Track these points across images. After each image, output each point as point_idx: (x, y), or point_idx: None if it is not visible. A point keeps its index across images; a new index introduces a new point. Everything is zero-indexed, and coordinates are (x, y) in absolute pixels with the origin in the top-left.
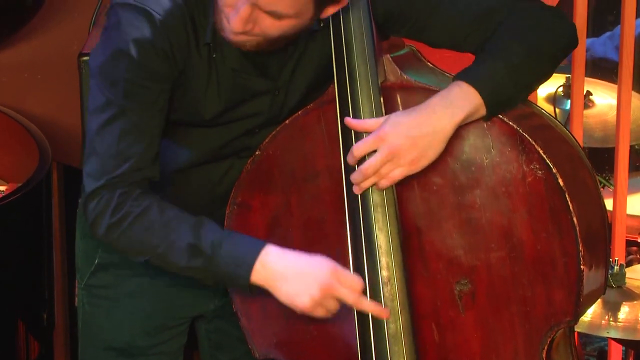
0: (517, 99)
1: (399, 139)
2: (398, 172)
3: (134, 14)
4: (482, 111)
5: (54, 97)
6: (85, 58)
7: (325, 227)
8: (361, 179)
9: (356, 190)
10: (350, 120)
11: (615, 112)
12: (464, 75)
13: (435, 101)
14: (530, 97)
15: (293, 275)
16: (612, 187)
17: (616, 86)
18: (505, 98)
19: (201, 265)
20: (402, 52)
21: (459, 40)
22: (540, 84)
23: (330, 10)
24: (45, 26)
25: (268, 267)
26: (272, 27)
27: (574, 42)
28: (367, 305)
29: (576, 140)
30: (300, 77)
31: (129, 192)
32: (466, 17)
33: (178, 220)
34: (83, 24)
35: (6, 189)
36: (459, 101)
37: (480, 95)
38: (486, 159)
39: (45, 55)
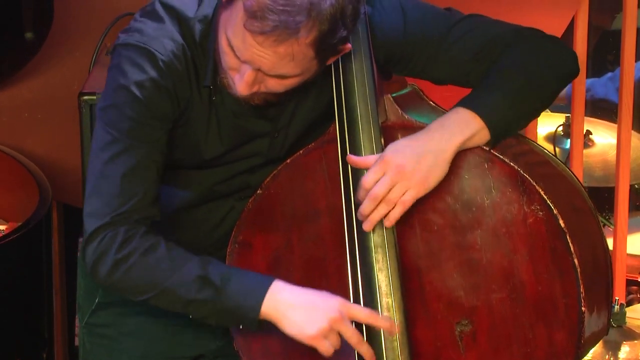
0: (517, 125)
1: (404, 158)
2: (409, 195)
3: (136, 54)
4: (485, 135)
5: (54, 137)
6: (86, 97)
7: (326, 267)
8: (372, 206)
9: (366, 226)
10: (351, 157)
11: (615, 152)
12: (463, 102)
13: (433, 126)
14: (530, 136)
15: (302, 305)
16: (612, 227)
17: (616, 125)
18: (505, 124)
19: (210, 298)
20: (404, 91)
21: (463, 75)
22: (543, 110)
23: (333, 59)
24: (46, 66)
25: (278, 299)
26: (277, 86)
27: (575, 71)
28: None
29: (578, 179)
30: (300, 119)
31: (135, 229)
32: (468, 52)
33: (186, 256)
34: (83, 63)
35: (6, 228)
36: (457, 125)
37: (481, 118)
38: (487, 200)
39: (45, 95)
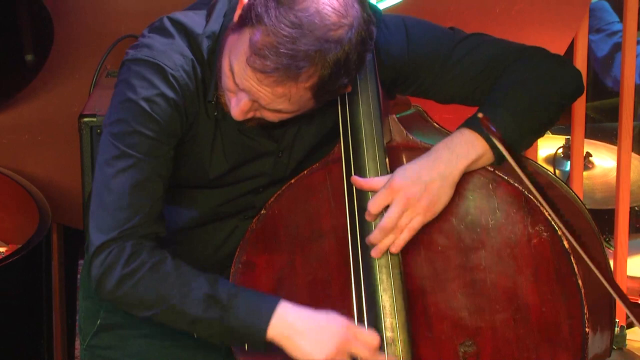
0: (522, 144)
1: (412, 187)
2: (417, 221)
3: (146, 69)
4: (489, 156)
5: (54, 159)
6: (86, 119)
7: (330, 287)
8: (382, 236)
9: (375, 254)
10: (356, 179)
11: (615, 174)
12: (467, 123)
13: (439, 148)
14: (530, 158)
15: (309, 330)
16: (612, 249)
17: (616, 147)
18: (511, 142)
19: (217, 317)
20: (408, 112)
21: (468, 93)
22: (547, 129)
23: (331, 99)
24: (46, 88)
25: (284, 321)
26: (272, 117)
27: (580, 89)
28: None
29: (581, 201)
30: (304, 139)
31: (142, 244)
32: (472, 70)
33: (193, 272)
34: (84, 85)
35: (6, 251)
36: (462, 148)
37: (486, 141)
38: (491, 220)
39: (46, 117)
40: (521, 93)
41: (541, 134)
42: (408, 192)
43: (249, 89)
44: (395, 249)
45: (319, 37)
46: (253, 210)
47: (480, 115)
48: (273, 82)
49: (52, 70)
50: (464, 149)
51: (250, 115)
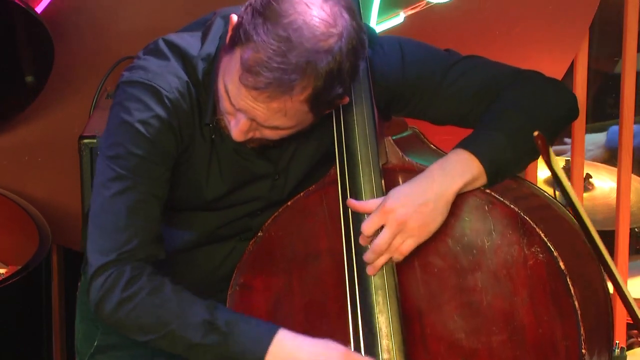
0: (516, 167)
1: (405, 208)
2: (409, 243)
3: (141, 91)
4: (483, 179)
5: (54, 180)
6: (86, 141)
7: (326, 309)
8: (375, 257)
9: (370, 271)
10: (351, 202)
11: (615, 195)
12: (463, 144)
13: (433, 169)
14: (530, 179)
15: (307, 358)
16: None
17: (616, 169)
18: (504, 166)
19: (215, 343)
20: (404, 134)
21: (462, 115)
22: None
23: (329, 111)
24: (46, 109)
25: (283, 348)
26: (272, 135)
27: (575, 113)
28: None
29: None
30: (300, 160)
31: (141, 268)
32: (467, 92)
33: (192, 298)
34: (84, 107)
35: (6, 272)
36: (457, 168)
37: (480, 162)
38: (487, 242)
39: (46, 138)
40: (516, 115)
41: (535, 158)
42: (400, 214)
43: (245, 108)
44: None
45: (308, 48)
46: (250, 232)
47: (535, 133)
48: (267, 98)
49: (52, 91)
50: (458, 170)
51: (250, 135)
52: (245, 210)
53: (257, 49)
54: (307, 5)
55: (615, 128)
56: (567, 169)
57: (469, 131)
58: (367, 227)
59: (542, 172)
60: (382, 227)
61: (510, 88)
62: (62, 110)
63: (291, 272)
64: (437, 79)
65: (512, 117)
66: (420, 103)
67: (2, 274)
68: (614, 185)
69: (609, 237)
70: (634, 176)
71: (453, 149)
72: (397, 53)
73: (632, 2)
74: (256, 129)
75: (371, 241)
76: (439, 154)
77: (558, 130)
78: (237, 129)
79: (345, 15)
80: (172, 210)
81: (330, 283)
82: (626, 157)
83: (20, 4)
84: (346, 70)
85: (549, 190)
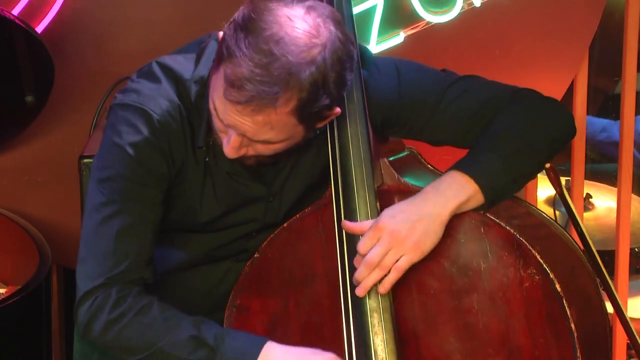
0: (514, 187)
1: (398, 224)
2: (403, 261)
3: (133, 114)
4: (479, 199)
5: (54, 200)
6: (86, 161)
7: (322, 331)
8: (366, 272)
9: (359, 292)
10: (346, 223)
11: (615, 215)
12: (457, 165)
13: (427, 191)
14: (530, 199)
15: None
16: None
17: (616, 189)
18: (501, 186)
19: (204, 358)
20: (401, 154)
21: (460, 136)
22: (539, 172)
23: (323, 124)
24: (46, 129)
25: (270, 358)
26: (265, 149)
27: (572, 132)
28: None
29: (575, 242)
30: (294, 183)
31: (128, 290)
32: (465, 113)
33: (179, 316)
34: (84, 126)
35: (6, 292)
36: (451, 189)
37: (476, 182)
38: (483, 264)
39: (46, 158)
40: (512, 137)
41: (533, 177)
42: (393, 230)
43: (233, 123)
44: (384, 289)
45: (290, 60)
46: (246, 253)
47: (547, 165)
48: (252, 112)
49: (52, 111)
50: (452, 191)
51: (243, 151)
52: (240, 232)
53: (239, 64)
54: (288, 17)
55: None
56: (568, 189)
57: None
58: (362, 245)
59: (542, 192)
60: None
61: (507, 109)
62: (62, 130)
63: (287, 294)
64: (433, 100)
65: (507, 139)
66: (417, 124)
67: (2, 293)
68: (614, 205)
69: (608, 257)
70: (634, 196)
71: (447, 170)
72: (394, 74)
73: (632, 21)
74: (248, 145)
75: None
76: (436, 174)
77: (556, 149)
78: (228, 146)
79: (330, 26)
80: (167, 231)
81: (327, 305)
82: (626, 177)
83: (21, 23)
84: (332, 81)
85: (549, 210)
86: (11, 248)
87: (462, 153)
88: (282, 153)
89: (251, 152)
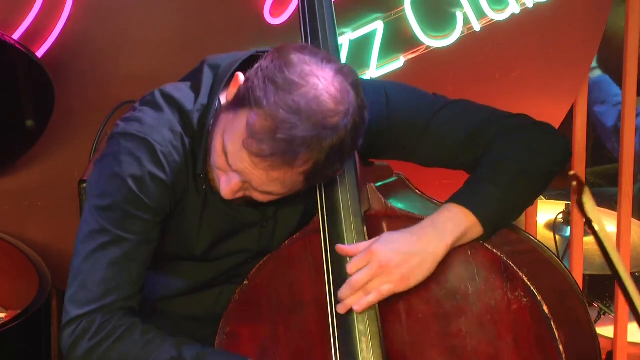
0: (512, 216)
1: (390, 254)
2: (386, 288)
3: (135, 145)
4: (479, 230)
5: (54, 224)
6: (86, 185)
7: (312, 356)
8: (349, 293)
9: (340, 309)
10: (339, 246)
11: (615, 239)
12: (455, 198)
13: (426, 225)
14: (530, 224)
15: None
16: (613, 315)
17: (616, 213)
18: (500, 215)
19: None
20: (389, 180)
21: (449, 161)
22: (536, 198)
23: (320, 182)
24: (46, 154)
25: None
26: (261, 198)
27: (567, 156)
28: None
29: (566, 268)
30: (288, 208)
31: (112, 315)
32: (455, 137)
33: (160, 339)
34: (84, 151)
35: (6, 316)
36: (448, 225)
37: (474, 214)
38: (471, 287)
39: (46, 183)
40: (508, 166)
41: (531, 204)
42: (384, 258)
43: (243, 171)
44: (359, 307)
45: (316, 123)
46: (239, 278)
47: (571, 172)
48: (268, 167)
49: (52, 135)
50: (449, 226)
51: (239, 195)
52: (236, 261)
53: (265, 117)
54: (318, 78)
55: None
56: (567, 213)
57: (467, 175)
58: (351, 266)
59: (542, 216)
60: None
61: (501, 137)
62: (62, 154)
63: (277, 321)
64: (422, 123)
65: (505, 168)
66: (406, 148)
67: (2, 318)
68: (614, 229)
69: (608, 281)
70: (633, 220)
71: (445, 203)
72: (382, 98)
73: (632, 46)
74: (246, 189)
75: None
76: (423, 199)
77: (553, 174)
78: (228, 188)
79: (352, 93)
80: (162, 259)
81: (316, 331)
82: (626, 202)
83: (21, 48)
84: (347, 147)
85: (549, 235)
86: (11, 272)
87: (460, 176)
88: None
89: (247, 194)
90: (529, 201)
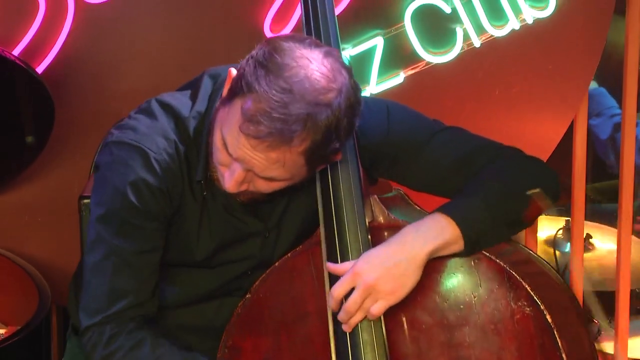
0: (495, 236)
1: (373, 272)
2: (380, 306)
3: (129, 153)
4: (459, 244)
5: (54, 240)
6: (86, 201)
7: None
8: (347, 317)
9: (346, 328)
10: (329, 265)
11: (615, 256)
12: (442, 208)
13: (406, 231)
14: (530, 239)
15: None
16: (613, 330)
17: (616, 230)
18: (483, 232)
19: None
20: (390, 194)
21: (440, 184)
22: (520, 230)
23: (323, 166)
24: (46, 169)
25: None
26: (265, 186)
27: (557, 193)
28: None
29: (563, 281)
30: (290, 218)
31: (122, 327)
32: (448, 161)
33: (171, 352)
34: (83, 167)
35: (5, 332)
36: (431, 230)
37: (458, 226)
38: (474, 297)
39: (45, 199)
40: (496, 186)
41: (513, 233)
42: (369, 278)
43: (243, 157)
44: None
45: (309, 101)
46: (241, 290)
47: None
48: (267, 147)
49: (53, 151)
50: (432, 232)
51: (244, 187)
52: (237, 271)
53: (259, 100)
54: (308, 59)
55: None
56: (567, 229)
57: None
58: (336, 290)
59: (542, 232)
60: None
61: (492, 163)
62: (62, 170)
63: (280, 333)
64: (420, 143)
65: (492, 187)
66: (401, 166)
67: (2, 334)
68: (614, 246)
69: (608, 298)
70: (633, 237)
71: (431, 213)
72: (384, 116)
73: (632, 61)
74: (250, 180)
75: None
76: (423, 214)
77: (541, 205)
78: (231, 179)
79: (344, 73)
80: (162, 267)
81: (319, 343)
82: (626, 218)
83: (21, 64)
84: (343, 127)
85: (549, 251)
86: (11, 288)
87: None
88: (277, 192)
89: (251, 188)
90: (514, 225)
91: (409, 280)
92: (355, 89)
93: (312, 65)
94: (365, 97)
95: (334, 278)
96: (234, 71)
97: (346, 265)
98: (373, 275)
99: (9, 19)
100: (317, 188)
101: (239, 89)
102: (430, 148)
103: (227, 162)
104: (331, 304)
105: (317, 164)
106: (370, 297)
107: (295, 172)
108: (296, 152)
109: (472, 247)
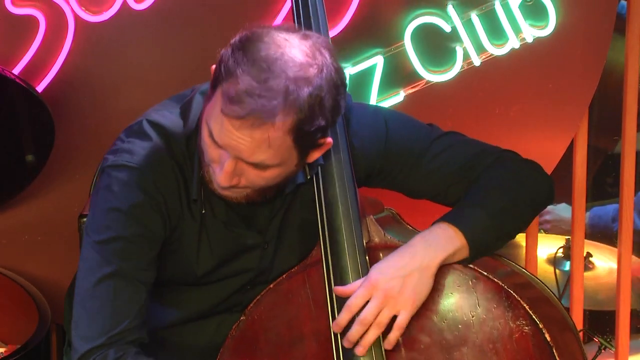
0: (496, 244)
1: (390, 281)
2: (402, 317)
3: (127, 175)
4: (465, 252)
5: (53, 259)
6: (86, 220)
7: None
8: (362, 330)
9: (359, 351)
10: (338, 288)
11: (615, 275)
12: (446, 217)
13: (415, 242)
14: (530, 258)
15: None
16: (614, 349)
17: (616, 249)
18: (486, 242)
19: None
20: (382, 214)
21: (440, 191)
22: (520, 232)
23: (315, 154)
24: (46, 189)
25: None
26: (258, 178)
27: (550, 198)
28: None
29: (558, 299)
30: (288, 230)
31: (125, 349)
32: (448, 168)
33: None
34: (83, 186)
35: (5, 351)
36: (441, 240)
37: (464, 235)
38: (472, 316)
39: (45, 218)
40: (498, 194)
41: (514, 235)
42: (386, 287)
43: (229, 142)
44: (389, 345)
45: (289, 76)
46: (240, 306)
47: None
48: (250, 126)
49: (52, 170)
50: (441, 242)
51: (235, 180)
52: (236, 285)
53: (238, 81)
54: (287, 39)
55: (595, 210)
56: (567, 248)
57: None
58: (353, 302)
59: (542, 251)
60: (366, 303)
61: (492, 168)
62: (61, 189)
63: (276, 356)
64: (418, 151)
65: (494, 195)
66: (400, 175)
67: (2, 353)
68: (614, 265)
69: (609, 316)
70: (634, 257)
71: (435, 222)
72: (381, 122)
73: (632, 81)
74: (241, 173)
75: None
76: (415, 233)
77: (536, 211)
78: (222, 172)
79: (325, 53)
80: (163, 286)
81: None
82: (626, 237)
83: (21, 82)
84: (328, 105)
85: (549, 269)
86: (11, 307)
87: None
88: (272, 189)
89: (243, 182)
90: (511, 235)
91: (424, 289)
92: (338, 69)
93: (290, 43)
94: (362, 106)
95: (336, 298)
96: (214, 67)
97: (355, 284)
98: (390, 285)
99: (9, 37)
100: (316, 205)
101: (220, 77)
102: (428, 157)
103: (217, 156)
104: (343, 317)
105: (306, 146)
106: (388, 308)
107: (285, 156)
108: (281, 129)
109: (476, 255)
